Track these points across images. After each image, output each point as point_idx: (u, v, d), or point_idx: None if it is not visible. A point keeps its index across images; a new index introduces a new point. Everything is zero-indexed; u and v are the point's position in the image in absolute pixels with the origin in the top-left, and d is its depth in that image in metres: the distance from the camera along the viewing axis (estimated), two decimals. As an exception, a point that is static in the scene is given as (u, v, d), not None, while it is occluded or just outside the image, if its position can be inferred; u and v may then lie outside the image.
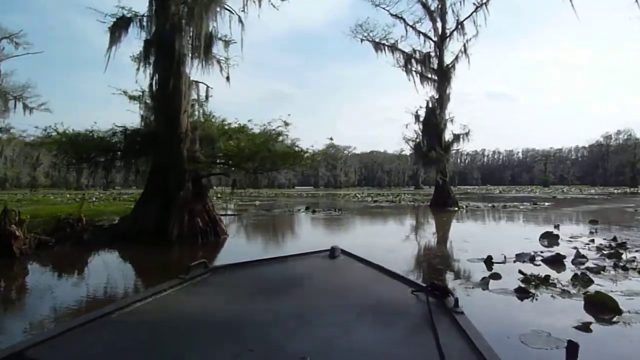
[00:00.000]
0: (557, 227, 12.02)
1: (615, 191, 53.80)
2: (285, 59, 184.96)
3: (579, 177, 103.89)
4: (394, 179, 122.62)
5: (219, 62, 14.90)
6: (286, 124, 10.60)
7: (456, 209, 21.62)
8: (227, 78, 15.25)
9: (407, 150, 22.74)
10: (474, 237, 10.76)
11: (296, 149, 11.04)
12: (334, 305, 1.73)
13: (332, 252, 2.49)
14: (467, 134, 23.84)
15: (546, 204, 25.21)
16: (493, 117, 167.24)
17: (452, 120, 24.28)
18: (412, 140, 24.39)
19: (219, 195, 21.97)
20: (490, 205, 24.32)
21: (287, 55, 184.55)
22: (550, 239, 9.47)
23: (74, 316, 3.63)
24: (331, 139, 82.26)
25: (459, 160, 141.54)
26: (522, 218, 16.84)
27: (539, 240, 9.44)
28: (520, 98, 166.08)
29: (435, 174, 23.81)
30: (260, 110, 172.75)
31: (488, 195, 44.74)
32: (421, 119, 24.33)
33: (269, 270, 2.30)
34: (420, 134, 24.22)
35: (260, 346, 1.31)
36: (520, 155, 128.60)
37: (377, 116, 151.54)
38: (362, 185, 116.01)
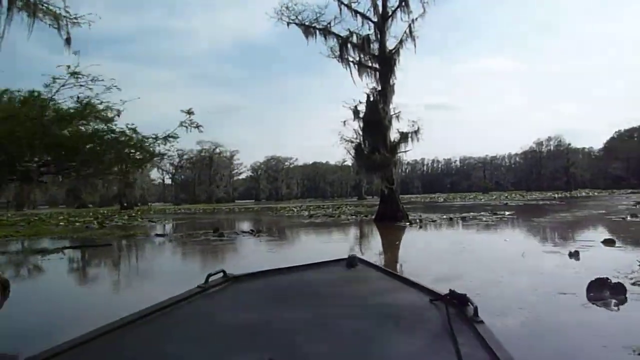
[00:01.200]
0: (575, 255, 7.58)
1: (556, 195, 52.63)
2: (230, 70, 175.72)
3: (514, 183, 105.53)
4: (337, 190, 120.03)
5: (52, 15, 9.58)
6: (75, 74, 5.33)
7: (407, 223, 17.06)
8: (67, 40, 10.14)
9: (349, 160, 17.44)
10: (483, 289, 5.31)
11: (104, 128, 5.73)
12: (353, 314, 1.67)
13: (350, 261, 2.37)
14: (416, 132, 19.50)
15: (506, 213, 21.31)
16: (432, 127, 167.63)
17: (398, 117, 19.91)
18: (352, 142, 19.69)
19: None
20: (445, 217, 20.08)
21: (232, 67, 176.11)
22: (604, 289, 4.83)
23: None
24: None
25: (400, 170, 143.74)
26: (507, 237, 12.38)
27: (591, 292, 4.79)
28: (458, 108, 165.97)
29: (381, 181, 19.19)
30: (206, 124, 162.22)
31: (433, 204, 41.25)
32: (362, 114, 19.72)
33: (287, 279, 2.22)
34: (361, 133, 19.57)
35: (280, 354, 1.28)
36: (458, 163, 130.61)
37: (325, 127, 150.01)
38: (305, 197, 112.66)
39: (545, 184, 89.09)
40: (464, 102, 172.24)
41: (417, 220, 17.52)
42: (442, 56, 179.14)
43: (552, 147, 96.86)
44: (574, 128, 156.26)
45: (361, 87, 19.86)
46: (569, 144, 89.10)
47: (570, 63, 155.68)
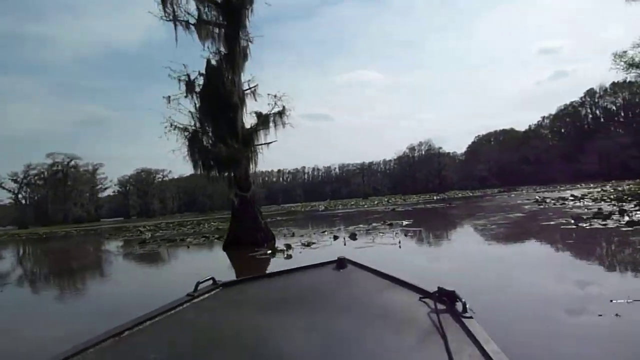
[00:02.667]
0: None
1: (435, 197, 51.15)
2: (100, 80, 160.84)
3: (390, 188, 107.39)
4: (217, 203, 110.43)
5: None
6: None
7: (269, 251, 10.38)
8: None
9: (183, 155, 9.75)
10: None
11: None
12: (344, 315, 1.66)
13: (340, 263, 2.38)
14: (281, 113, 13.11)
15: (404, 223, 15.96)
16: (312, 137, 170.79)
17: (255, 93, 13.39)
18: (186, 129, 12.54)
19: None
20: (328, 234, 13.91)
21: (102, 77, 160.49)
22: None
23: None
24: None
25: (281, 179, 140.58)
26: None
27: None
28: (336, 118, 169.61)
29: (228, 186, 12.35)
30: (74, 136, 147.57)
31: (313, 213, 35.65)
32: (200, 89, 12.75)
33: (277, 283, 2.24)
34: (199, 116, 12.56)
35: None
36: (337, 170, 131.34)
37: None
38: (182, 212, 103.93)
39: (419, 187, 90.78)
40: (341, 112, 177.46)
41: (287, 247, 10.88)
42: (320, 68, 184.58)
43: (423, 152, 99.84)
44: (437, 135, 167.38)
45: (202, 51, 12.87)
46: (440, 148, 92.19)
47: (431, 76, 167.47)
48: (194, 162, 11.92)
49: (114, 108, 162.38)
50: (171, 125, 12.38)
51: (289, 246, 10.90)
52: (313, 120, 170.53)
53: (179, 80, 12.51)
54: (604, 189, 32.01)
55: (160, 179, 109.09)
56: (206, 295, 1.96)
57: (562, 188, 41.69)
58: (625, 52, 30.01)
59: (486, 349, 1.21)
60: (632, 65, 30.09)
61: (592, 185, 44.93)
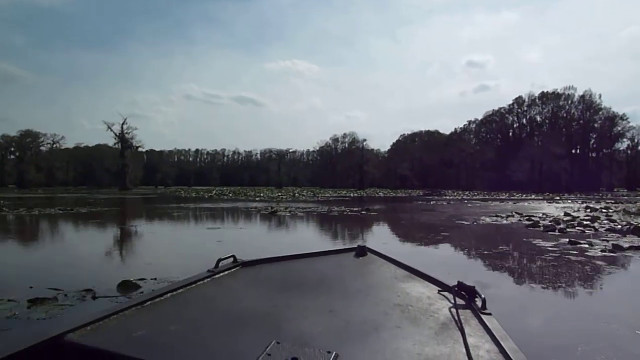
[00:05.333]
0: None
1: (352, 195, 42.40)
2: (11, 35, 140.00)
3: (310, 179, 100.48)
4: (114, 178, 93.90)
5: None
6: None
7: None
8: None
9: None
10: None
11: None
12: (361, 302, 1.59)
13: (360, 251, 2.28)
14: None
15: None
16: (240, 120, 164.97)
17: None
18: None
19: None
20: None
21: (14, 32, 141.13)
22: None
23: None
24: None
25: (198, 160, 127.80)
26: None
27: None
28: (267, 104, 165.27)
29: None
30: None
31: (164, 201, 25.11)
32: None
33: (297, 266, 2.13)
34: None
35: (287, 339, 1.22)
36: (258, 156, 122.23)
37: (122, 110, 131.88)
38: (77, 185, 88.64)
39: (339, 181, 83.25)
40: (272, 99, 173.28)
41: None
42: (251, 53, 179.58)
43: (347, 145, 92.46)
44: (364, 132, 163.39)
45: None
46: (364, 140, 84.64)
47: (363, 75, 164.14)
48: None
49: (29, 67, 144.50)
50: None
51: None
52: (242, 104, 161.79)
53: None
54: (591, 205, 24.77)
55: (50, 146, 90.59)
56: (226, 272, 1.93)
57: (503, 197, 34.35)
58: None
59: (504, 346, 1.18)
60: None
61: (527, 196, 38.70)
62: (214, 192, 45.51)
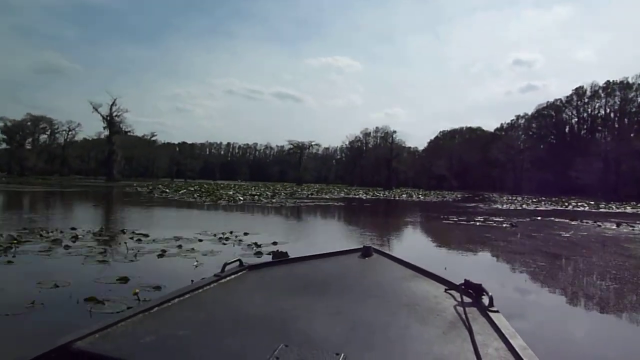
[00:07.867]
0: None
1: (380, 195, 34.26)
2: (63, 28, 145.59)
3: (341, 176, 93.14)
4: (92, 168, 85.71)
5: None
6: None
7: None
8: None
9: None
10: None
11: None
12: (369, 303, 1.56)
13: (365, 251, 2.23)
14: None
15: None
16: (281, 116, 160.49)
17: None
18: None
19: None
20: None
21: (65, 25, 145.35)
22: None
23: None
24: None
25: (230, 153, 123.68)
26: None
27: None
28: (306, 100, 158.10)
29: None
30: (33, 85, 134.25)
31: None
32: None
33: (303, 268, 2.10)
34: None
35: (295, 342, 1.21)
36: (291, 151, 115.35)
37: (165, 104, 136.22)
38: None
39: (367, 178, 74.97)
40: (311, 95, 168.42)
41: None
42: (292, 50, 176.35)
43: (378, 139, 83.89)
44: (402, 131, 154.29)
45: None
46: (394, 132, 75.35)
47: (405, 73, 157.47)
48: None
49: (77, 60, 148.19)
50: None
51: None
52: (282, 99, 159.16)
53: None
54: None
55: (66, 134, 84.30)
56: (233, 276, 1.89)
57: (589, 208, 24.48)
58: None
59: (512, 344, 1.17)
60: None
61: (611, 203, 28.96)
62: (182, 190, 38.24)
